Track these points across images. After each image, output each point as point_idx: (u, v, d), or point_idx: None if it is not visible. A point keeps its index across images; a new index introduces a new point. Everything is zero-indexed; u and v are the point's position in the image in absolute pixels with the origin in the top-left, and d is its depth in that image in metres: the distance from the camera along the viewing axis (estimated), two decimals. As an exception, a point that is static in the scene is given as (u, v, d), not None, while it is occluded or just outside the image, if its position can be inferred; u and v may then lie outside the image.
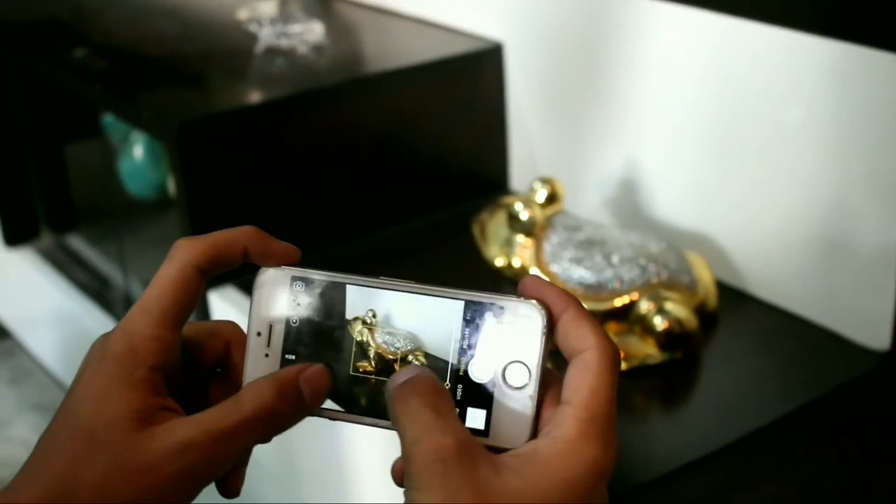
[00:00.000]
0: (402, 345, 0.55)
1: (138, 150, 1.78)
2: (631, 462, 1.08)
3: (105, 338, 0.53)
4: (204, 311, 1.40)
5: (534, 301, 0.52)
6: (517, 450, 0.50)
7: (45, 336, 2.08)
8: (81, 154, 1.96)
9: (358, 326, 0.55)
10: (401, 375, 0.51)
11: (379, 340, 0.55)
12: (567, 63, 1.48)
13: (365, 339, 0.55)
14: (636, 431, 1.14)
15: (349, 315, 0.56)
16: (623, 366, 1.17)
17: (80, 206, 1.96)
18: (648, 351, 1.18)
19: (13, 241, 1.99)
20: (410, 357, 0.55)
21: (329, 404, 0.56)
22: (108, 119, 1.79)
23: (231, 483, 0.56)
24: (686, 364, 1.19)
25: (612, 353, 0.50)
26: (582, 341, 0.51)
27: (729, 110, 1.29)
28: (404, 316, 0.55)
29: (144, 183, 1.80)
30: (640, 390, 1.18)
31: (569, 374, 0.51)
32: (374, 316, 0.55)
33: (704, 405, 1.17)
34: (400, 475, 0.52)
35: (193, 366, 0.57)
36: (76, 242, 1.94)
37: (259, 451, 1.43)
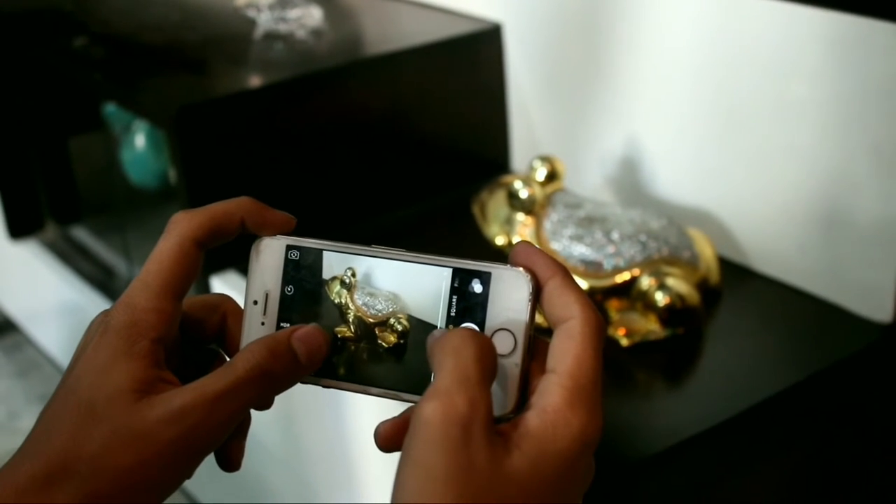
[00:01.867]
0: (383, 307, 0.55)
1: (140, 140, 1.78)
2: (634, 437, 1.08)
3: (106, 313, 0.53)
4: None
5: (521, 268, 0.52)
6: (509, 423, 0.49)
7: (52, 328, 2.08)
8: (85, 146, 1.96)
9: (336, 287, 0.55)
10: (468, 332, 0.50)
11: (359, 302, 0.55)
12: (566, 42, 1.48)
13: (343, 300, 0.55)
14: (639, 407, 1.14)
15: (327, 276, 0.56)
16: (625, 342, 1.17)
17: (84, 197, 1.97)
18: (650, 327, 1.17)
19: (18, 233, 1.99)
20: (392, 320, 0.54)
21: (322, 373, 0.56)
22: (110, 109, 1.79)
23: (230, 455, 0.56)
24: (688, 339, 1.18)
25: (597, 322, 0.50)
26: (566, 310, 0.50)
27: (729, 86, 1.28)
28: (393, 283, 0.55)
29: (147, 172, 1.80)
30: (643, 366, 1.17)
31: (553, 343, 0.50)
32: (353, 275, 0.55)
33: (707, 380, 1.17)
34: (386, 439, 0.52)
35: (191, 339, 0.57)
36: (81, 234, 1.94)
37: (265, 433, 1.44)
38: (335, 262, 0.56)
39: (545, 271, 0.52)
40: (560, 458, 0.48)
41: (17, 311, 2.23)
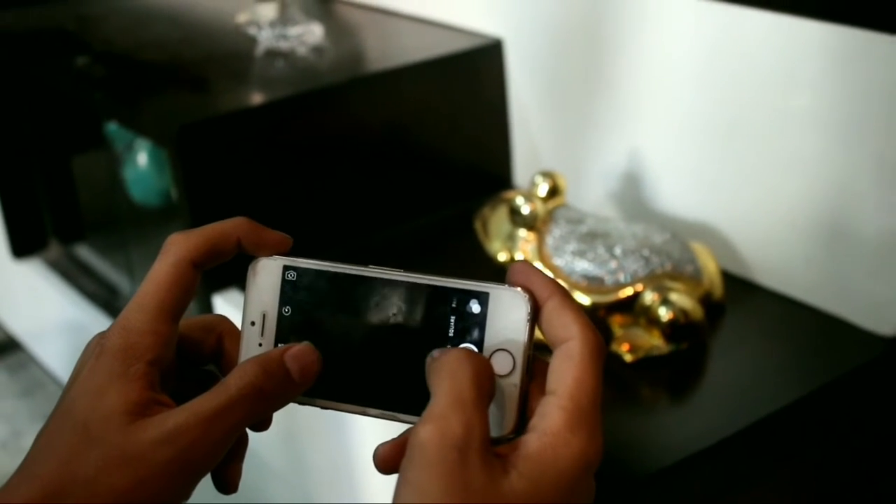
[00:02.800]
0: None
1: (142, 158, 1.78)
2: (639, 453, 1.07)
3: (102, 335, 0.53)
4: (208, 313, 1.39)
5: (518, 288, 0.52)
6: (509, 444, 0.49)
7: (56, 347, 2.08)
8: (87, 165, 1.96)
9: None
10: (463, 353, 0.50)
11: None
12: (567, 56, 1.48)
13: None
14: (644, 423, 1.13)
15: (319, 297, 0.55)
16: (629, 357, 1.16)
17: (86, 216, 1.97)
18: (654, 342, 1.17)
19: (21, 252, 1.99)
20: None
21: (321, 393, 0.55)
22: (112, 127, 1.79)
23: (227, 477, 0.56)
24: (692, 354, 1.18)
25: (596, 343, 0.50)
26: (566, 330, 0.50)
27: (731, 99, 1.28)
28: (392, 303, 0.54)
29: (149, 190, 1.79)
30: (647, 382, 1.17)
31: (553, 364, 0.50)
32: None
33: (712, 395, 1.16)
34: (384, 461, 0.52)
35: (187, 361, 0.57)
36: (84, 252, 1.94)
37: (267, 451, 1.43)
38: (329, 282, 0.56)
39: (543, 291, 0.52)
40: (560, 480, 0.48)
41: (21, 330, 2.23)
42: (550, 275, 1.19)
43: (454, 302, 0.53)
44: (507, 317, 0.52)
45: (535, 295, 0.52)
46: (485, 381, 0.49)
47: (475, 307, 0.53)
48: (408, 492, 0.46)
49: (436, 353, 0.51)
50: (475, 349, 0.52)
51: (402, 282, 0.54)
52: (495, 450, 0.48)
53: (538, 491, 0.47)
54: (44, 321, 2.06)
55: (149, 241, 1.79)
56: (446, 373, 0.49)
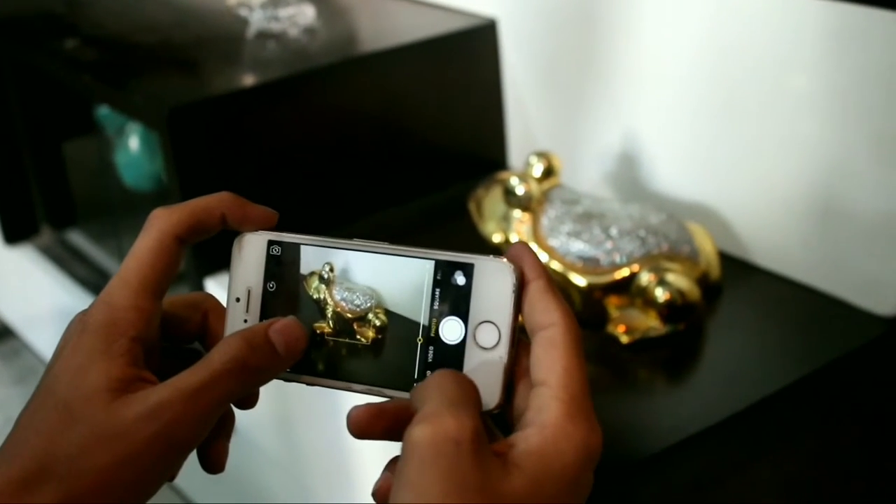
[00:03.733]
0: (361, 301, 0.54)
1: (133, 142, 1.77)
2: (636, 435, 1.06)
3: (83, 313, 0.53)
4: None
5: (504, 259, 0.51)
6: (508, 440, 0.48)
7: (49, 334, 2.07)
8: (79, 150, 1.95)
9: (314, 282, 0.54)
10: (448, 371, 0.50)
11: (337, 297, 0.54)
12: (562, 36, 1.47)
13: (322, 295, 0.54)
14: (640, 405, 1.13)
15: (305, 271, 0.55)
16: (625, 339, 1.15)
17: (78, 201, 1.96)
18: (651, 323, 1.16)
19: (13, 238, 1.98)
20: (370, 315, 0.53)
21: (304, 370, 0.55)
22: (103, 112, 1.78)
23: (214, 456, 0.55)
24: (689, 336, 1.17)
25: (576, 331, 0.50)
26: (547, 315, 0.50)
27: (727, 78, 1.27)
28: (373, 277, 0.54)
29: (141, 174, 1.78)
30: (644, 363, 1.16)
31: (536, 353, 0.50)
32: (331, 270, 0.54)
33: (709, 376, 1.16)
34: (358, 424, 0.51)
35: (172, 339, 0.56)
36: (76, 238, 1.93)
37: (261, 436, 1.43)
38: (315, 256, 0.55)
39: (531, 272, 0.51)
40: (564, 474, 0.47)
41: (14, 318, 2.22)
42: (546, 257, 1.18)
43: (439, 274, 0.52)
44: (492, 288, 0.51)
45: (522, 271, 0.51)
46: (471, 392, 0.49)
47: (460, 279, 0.52)
48: (405, 493, 0.45)
49: (416, 385, 0.50)
50: (460, 321, 0.51)
51: (384, 254, 0.53)
52: (495, 447, 0.47)
53: (541, 487, 0.46)
54: (36, 308, 2.05)
55: (141, 225, 1.77)
56: (433, 387, 0.48)
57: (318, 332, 0.55)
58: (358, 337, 0.54)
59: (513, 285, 0.51)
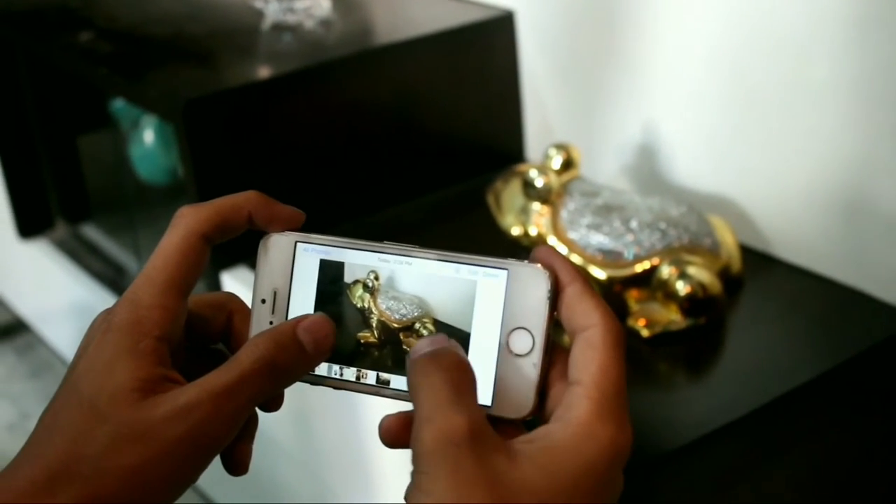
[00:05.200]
0: (407, 311, 0.53)
1: (148, 135, 1.76)
2: (657, 430, 1.05)
3: (108, 311, 0.52)
4: (216, 291, 1.38)
5: (539, 265, 0.50)
6: (529, 435, 0.48)
7: (63, 328, 2.07)
8: (93, 144, 1.95)
9: (358, 291, 0.53)
10: (424, 345, 0.49)
11: (382, 307, 0.53)
12: (580, 27, 1.45)
13: (366, 304, 0.53)
14: (661, 399, 1.12)
15: (349, 279, 0.54)
16: (645, 333, 1.14)
17: (93, 195, 1.95)
18: (671, 317, 1.15)
19: (28, 232, 1.98)
20: (418, 325, 0.52)
21: (333, 373, 0.54)
22: (118, 105, 1.77)
23: (237, 458, 0.54)
24: (710, 329, 1.16)
25: (618, 331, 0.49)
26: (586, 317, 0.49)
27: (748, 68, 1.26)
28: (409, 281, 0.53)
29: (156, 168, 1.78)
30: (664, 357, 1.15)
31: (574, 353, 0.49)
32: (376, 279, 0.53)
33: (730, 371, 1.14)
34: (389, 433, 0.51)
35: (196, 339, 0.55)
36: (91, 232, 1.93)
37: (280, 432, 1.41)
38: (342, 259, 0.54)
39: (565, 276, 0.51)
40: (584, 472, 0.46)
41: (29, 312, 2.22)
42: (565, 250, 1.17)
43: (473, 279, 0.52)
44: (526, 294, 0.51)
45: (556, 278, 0.50)
46: (459, 376, 0.48)
47: (494, 284, 0.51)
48: (417, 495, 0.46)
49: (412, 352, 0.49)
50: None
51: (419, 259, 0.53)
52: (516, 440, 0.47)
53: (555, 482, 0.46)
54: (51, 302, 2.05)
55: (156, 219, 1.77)
56: (425, 385, 0.48)
57: (362, 341, 0.54)
58: (404, 346, 0.53)
59: (548, 291, 0.50)
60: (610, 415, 0.47)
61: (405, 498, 0.48)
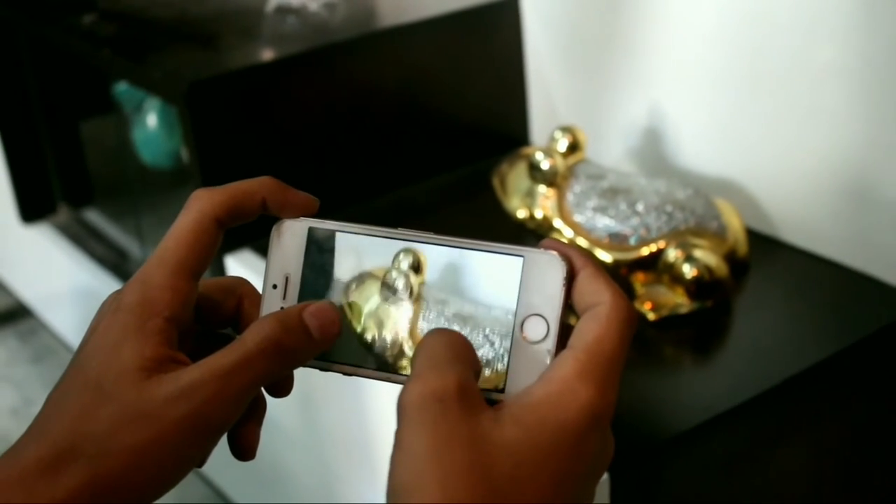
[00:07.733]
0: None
1: (152, 119, 1.76)
2: (663, 414, 1.05)
3: (118, 292, 0.52)
4: (220, 274, 1.38)
5: (554, 252, 0.50)
6: (514, 394, 0.48)
7: (66, 313, 2.07)
8: (96, 128, 1.94)
9: (398, 275, 0.53)
10: (438, 329, 0.50)
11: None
12: (585, 10, 1.45)
13: (413, 287, 0.53)
14: (667, 383, 1.11)
15: (364, 266, 0.54)
16: (652, 316, 1.14)
17: (96, 179, 1.95)
18: (678, 300, 1.14)
19: (30, 217, 1.97)
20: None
21: (342, 359, 0.54)
22: (121, 88, 1.77)
23: (245, 442, 0.54)
24: (717, 312, 1.15)
25: (627, 309, 0.49)
26: (596, 296, 0.49)
27: (754, 50, 1.25)
28: (424, 267, 0.53)
29: (159, 151, 1.77)
30: (671, 340, 1.15)
31: (577, 326, 0.49)
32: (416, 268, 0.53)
33: (737, 354, 1.14)
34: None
35: (205, 323, 0.55)
36: (93, 216, 1.93)
37: (285, 417, 1.41)
38: (355, 246, 0.54)
39: (578, 261, 0.50)
40: (562, 429, 0.46)
41: (32, 296, 2.22)
42: (571, 233, 1.17)
43: (487, 265, 0.51)
44: (542, 281, 0.50)
45: (571, 263, 0.50)
46: (458, 346, 0.48)
47: (509, 271, 0.51)
48: (395, 452, 0.46)
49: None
50: (508, 314, 0.50)
51: (433, 246, 0.52)
52: (499, 400, 0.48)
53: (534, 440, 0.45)
54: (54, 286, 2.04)
55: (159, 204, 1.77)
56: (421, 346, 0.48)
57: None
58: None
59: (563, 279, 0.50)
60: (591, 376, 0.47)
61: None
